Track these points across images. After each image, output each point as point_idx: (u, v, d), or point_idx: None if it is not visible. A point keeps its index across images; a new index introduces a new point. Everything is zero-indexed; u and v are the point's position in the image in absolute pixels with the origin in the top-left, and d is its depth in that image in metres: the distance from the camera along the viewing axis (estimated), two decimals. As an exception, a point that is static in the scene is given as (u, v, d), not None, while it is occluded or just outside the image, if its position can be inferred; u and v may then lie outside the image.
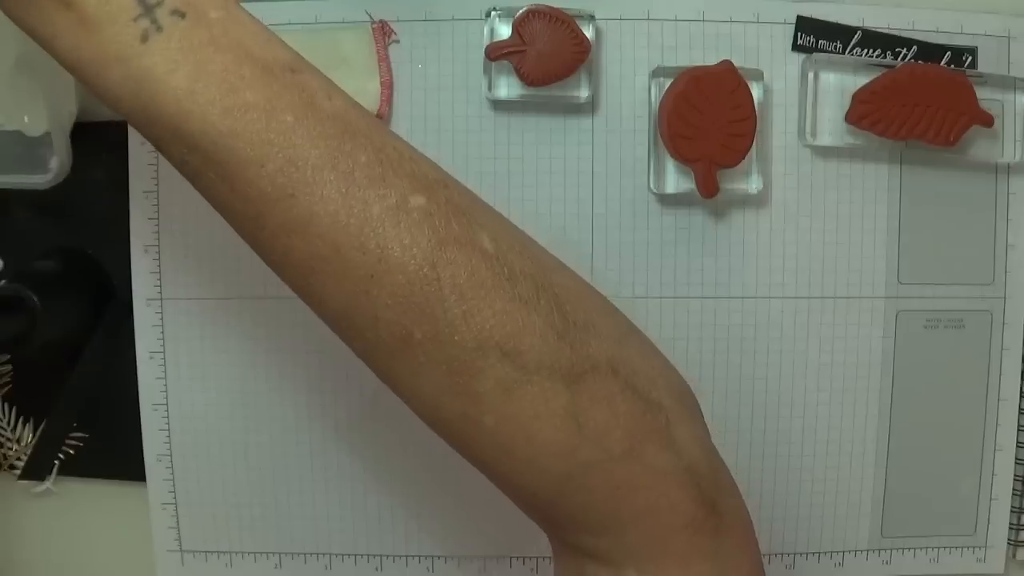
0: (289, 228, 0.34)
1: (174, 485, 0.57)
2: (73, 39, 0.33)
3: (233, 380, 0.56)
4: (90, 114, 0.56)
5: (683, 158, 0.52)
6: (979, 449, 0.57)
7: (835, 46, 0.54)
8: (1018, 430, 0.57)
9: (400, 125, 0.55)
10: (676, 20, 0.54)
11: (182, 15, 0.32)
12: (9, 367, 0.58)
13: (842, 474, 0.56)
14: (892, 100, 0.52)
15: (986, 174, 0.55)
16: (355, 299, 0.34)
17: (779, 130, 0.55)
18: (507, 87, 0.54)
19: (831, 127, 0.54)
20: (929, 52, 0.54)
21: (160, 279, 0.56)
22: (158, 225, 0.56)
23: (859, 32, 0.54)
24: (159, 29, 0.32)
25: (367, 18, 0.54)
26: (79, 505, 0.59)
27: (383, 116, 0.54)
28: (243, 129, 0.32)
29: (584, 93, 0.53)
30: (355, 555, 0.57)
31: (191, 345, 0.56)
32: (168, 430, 0.56)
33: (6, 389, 0.58)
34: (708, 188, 0.51)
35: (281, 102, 0.33)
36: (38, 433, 0.57)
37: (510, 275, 0.34)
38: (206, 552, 0.57)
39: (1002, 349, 0.56)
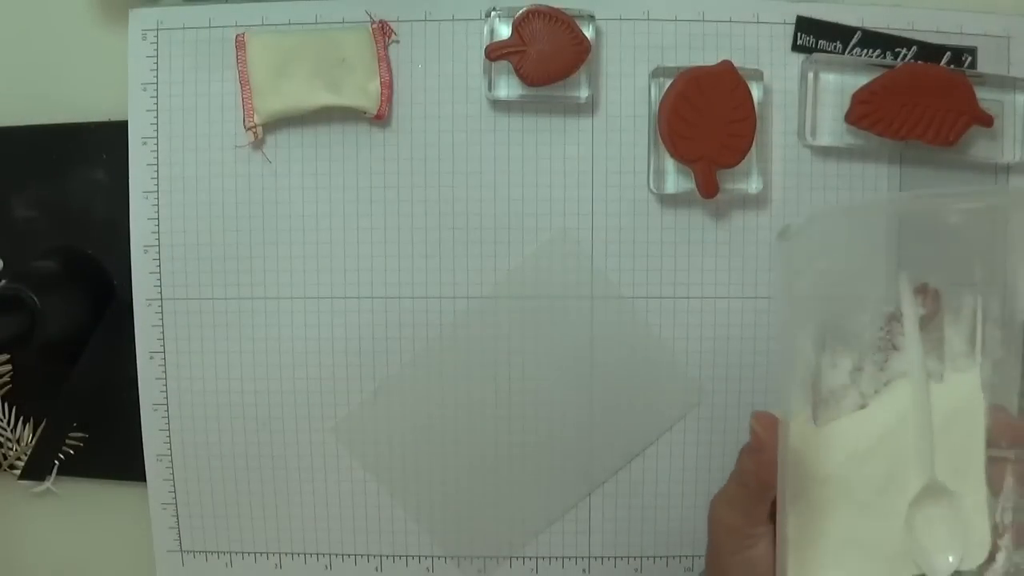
0: None
1: (174, 485, 0.57)
2: None
3: (233, 380, 0.56)
4: (90, 114, 0.56)
5: (683, 158, 0.52)
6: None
7: (835, 46, 0.54)
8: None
9: (400, 125, 0.55)
10: (676, 20, 0.54)
11: None
12: (9, 367, 0.58)
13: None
14: (892, 100, 0.52)
15: (986, 174, 0.55)
16: None
17: (779, 130, 0.55)
18: (507, 87, 0.54)
19: (831, 127, 0.54)
20: (929, 52, 0.54)
21: (160, 279, 0.56)
22: (158, 225, 0.56)
23: (859, 32, 0.54)
24: None
25: (367, 18, 0.54)
26: (79, 505, 0.59)
27: (383, 116, 0.54)
28: None
29: (584, 93, 0.53)
30: (355, 555, 0.57)
31: (191, 345, 0.56)
32: (168, 430, 0.56)
33: (6, 389, 0.58)
34: (708, 188, 0.51)
35: None
36: (38, 433, 0.57)
37: None
38: (206, 552, 0.57)
39: (1002, 349, 0.56)
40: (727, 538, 0.43)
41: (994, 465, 0.42)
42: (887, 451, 0.42)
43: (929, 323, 0.43)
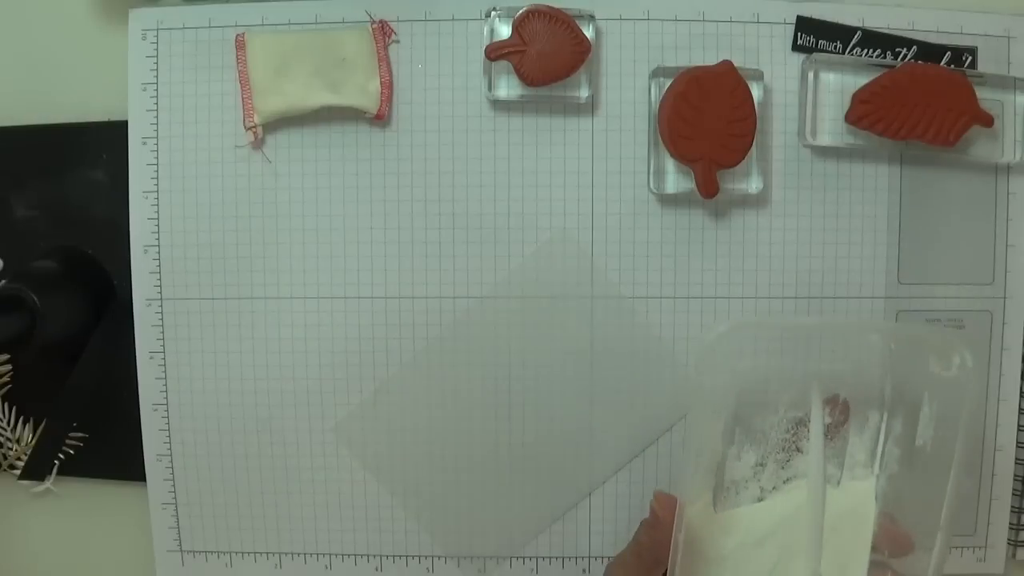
0: None
1: (174, 485, 0.57)
2: None
3: (233, 380, 0.56)
4: (90, 114, 0.56)
5: (683, 158, 0.52)
6: (979, 449, 0.56)
7: (835, 46, 0.54)
8: (1018, 430, 0.57)
9: (400, 125, 0.55)
10: (676, 20, 0.54)
11: None
12: (9, 367, 0.58)
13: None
14: (892, 100, 0.52)
15: (986, 174, 0.55)
16: None
17: (779, 130, 0.55)
18: (507, 87, 0.54)
19: (831, 127, 0.54)
20: (929, 52, 0.54)
21: (160, 279, 0.56)
22: (158, 225, 0.56)
23: (859, 32, 0.54)
24: None
25: (367, 18, 0.54)
26: (79, 505, 0.59)
27: (383, 116, 0.54)
28: None
29: (584, 93, 0.53)
30: (355, 555, 0.57)
31: (191, 345, 0.56)
32: (168, 430, 0.56)
33: (6, 389, 0.58)
34: (708, 188, 0.51)
35: None
36: (38, 433, 0.57)
37: None
38: (206, 552, 0.57)
39: (1002, 349, 0.56)
40: None
41: (875, 569, 0.45)
42: (778, 543, 0.45)
43: (835, 432, 0.46)
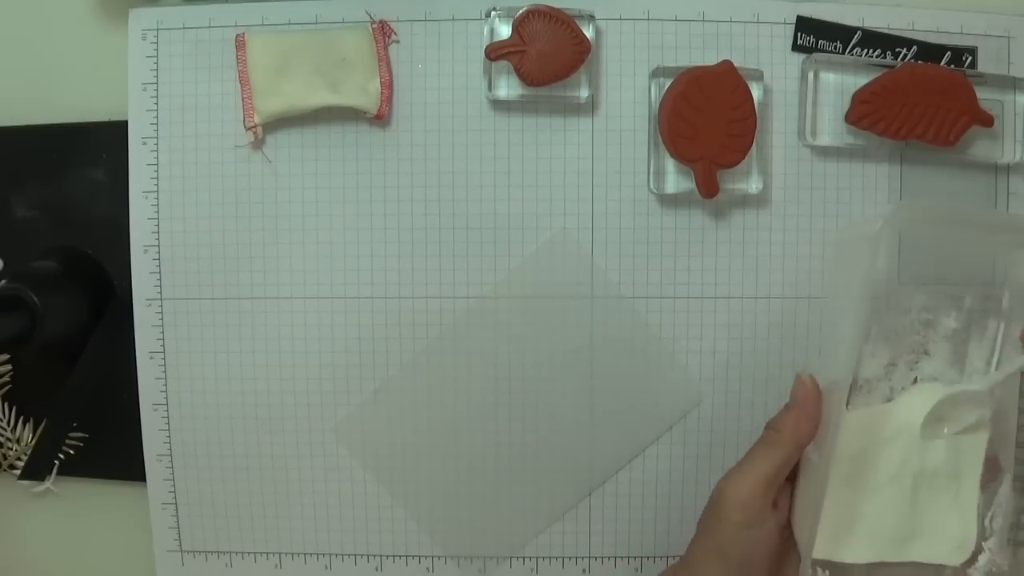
0: None
1: (174, 485, 0.57)
2: None
3: (233, 380, 0.56)
4: (90, 114, 0.56)
5: (683, 158, 0.52)
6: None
7: (835, 46, 0.54)
8: (1018, 430, 0.56)
9: (400, 125, 0.55)
10: (676, 20, 0.54)
11: None
12: (9, 367, 0.58)
13: (842, 474, 0.56)
14: (892, 100, 0.52)
15: (986, 174, 0.55)
16: None
17: (779, 130, 0.55)
18: (507, 87, 0.54)
19: (831, 127, 0.54)
20: (929, 52, 0.54)
21: (160, 279, 0.56)
22: (158, 225, 0.56)
23: (859, 32, 0.54)
24: None
25: (367, 18, 0.54)
26: (79, 505, 0.59)
27: (383, 116, 0.54)
28: None
29: (584, 93, 0.53)
30: (355, 555, 0.57)
31: (191, 345, 0.56)
32: (168, 430, 0.57)
33: (6, 389, 0.58)
34: (708, 188, 0.51)
35: None
36: (38, 433, 0.57)
37: None
38: (206, 552, 0.57)
39: (1002, 349, 0.56)
40: (735, 512, 0.45)
41: (989, 470, 0.47)
42: (903, 443, 0.46)
43: (961, 337, 0.48)
